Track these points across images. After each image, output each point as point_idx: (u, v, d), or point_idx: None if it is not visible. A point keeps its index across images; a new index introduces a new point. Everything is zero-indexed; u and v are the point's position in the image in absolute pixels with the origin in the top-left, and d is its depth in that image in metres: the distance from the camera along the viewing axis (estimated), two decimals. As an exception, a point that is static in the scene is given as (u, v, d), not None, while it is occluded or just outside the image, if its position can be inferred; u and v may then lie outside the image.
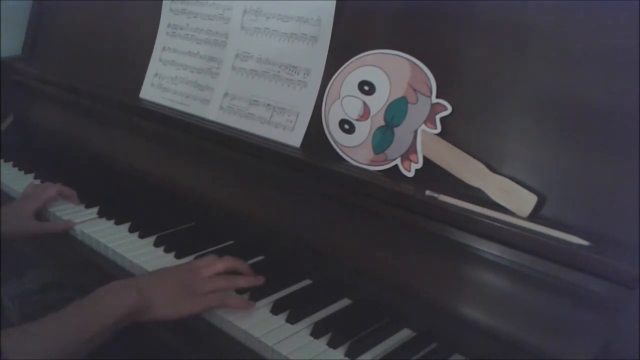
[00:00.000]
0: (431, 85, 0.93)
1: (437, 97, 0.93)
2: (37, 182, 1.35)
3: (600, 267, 0.74)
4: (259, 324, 0.87)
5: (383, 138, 0.98)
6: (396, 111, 0.97)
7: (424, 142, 0.94)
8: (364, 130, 1.00)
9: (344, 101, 1.03)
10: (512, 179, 0.85)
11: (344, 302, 0.95)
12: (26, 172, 1.43)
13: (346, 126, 1.03)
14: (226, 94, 1.22)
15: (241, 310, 0.89)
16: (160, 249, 1.08)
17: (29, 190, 1.25)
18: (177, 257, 1.05)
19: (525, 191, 0.84)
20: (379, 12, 1.03)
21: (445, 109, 0.92)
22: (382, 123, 0.99)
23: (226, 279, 0.94)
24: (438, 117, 0.92)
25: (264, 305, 0.92)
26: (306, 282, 1.00)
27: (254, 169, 1.12)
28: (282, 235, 1.06)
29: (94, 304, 0.84)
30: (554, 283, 0.78)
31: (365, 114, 1.00)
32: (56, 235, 1.16)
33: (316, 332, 0.85)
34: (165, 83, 1.34)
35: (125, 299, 0.85)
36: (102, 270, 1.07)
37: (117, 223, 1.16)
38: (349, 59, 1.03)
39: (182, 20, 1.33)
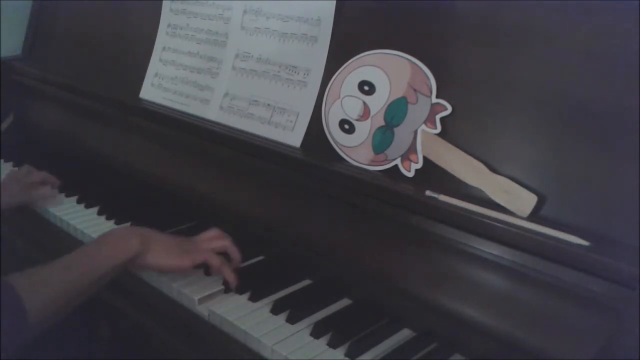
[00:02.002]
0: (431, 85, 0.93)
1: (437, 97, 0.93)
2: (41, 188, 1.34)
3: (600, 267, 0.74)
4: (259, 324, 0.87)
5: (383, 138, 0.98)
6: (396, 111, 0.97)
7: (424, 142, 0.94)
8: (364, 130, 1.00)
9: (344, 101, 1.03)
10: (512, 179, 0.85)
11: (344, 302, 0.95)
12: (26, 172, 1.42)
13: (346, 126, 1.03)
14: (226, 94, 1.22)
15: (233, 282, 0.94)
16: (161, 249, 1.07)
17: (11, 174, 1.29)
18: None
19: (525, 191, 0.84)
20: (379, 12, 1.03)
21: (445, 109, 0.92)
22: (382, 123, 0.99)
23: (219, 258, 0.96)
24: (438, 117, 0.92)
25: (264, 305, 0.92)
26: (306, 282, 1.00)
27: (254, 169, 1.12)
28: (282, 235, 1.06)
29: (100, 247, 0.91)
30: (554, 283, 0.78)
31: (365, 114, 1.00)
32: (56, 236, 1.16)
33: (316, 332, 0.85)
34: (165, 83, 1.34)
35: (129, 243, 0.91)
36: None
37: (117, 223, 1.16)
38: (349, 59, 1.03)
39: (182, 20, 1.33)
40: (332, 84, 1.05)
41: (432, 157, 0.93)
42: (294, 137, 1.10)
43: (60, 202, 1.24)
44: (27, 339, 0.79)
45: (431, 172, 0.93)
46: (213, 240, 0.99)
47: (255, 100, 1.17)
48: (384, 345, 0.86)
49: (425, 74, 0.94)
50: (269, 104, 1.14)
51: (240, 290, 0.94)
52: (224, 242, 0.99)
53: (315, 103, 1.08)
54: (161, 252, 0.93)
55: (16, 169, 1.32)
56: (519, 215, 0.83)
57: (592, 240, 0.76)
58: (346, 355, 0.82)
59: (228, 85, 1.22)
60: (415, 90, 0.95)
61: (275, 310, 0.90)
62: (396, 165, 0.97)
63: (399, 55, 0.97)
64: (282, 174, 1.07)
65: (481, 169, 0.88)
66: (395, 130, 0.97)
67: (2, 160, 1.47)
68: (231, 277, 0.94)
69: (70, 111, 1.52)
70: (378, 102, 0.99)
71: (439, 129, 0.93)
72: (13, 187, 1.21)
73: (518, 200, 0.84)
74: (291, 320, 0.88)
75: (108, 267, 0.88)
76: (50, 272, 0.84)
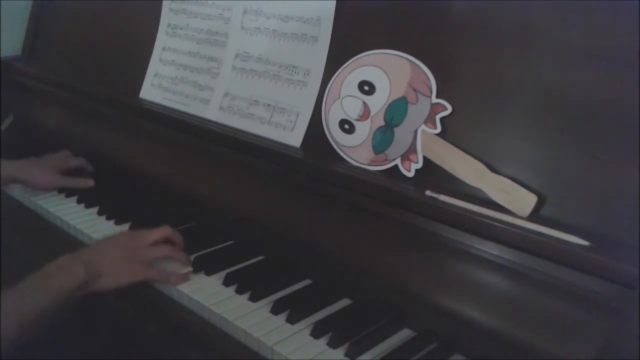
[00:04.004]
0: (431, 85, 0.93)
1: (437, 97, 0.93)
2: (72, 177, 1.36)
3: (600, 267, 0.74)
4: (259, 324, 0.87)
5: (383, 138, 0.98)
6: (396, 111, 0.97)
7: (424, 142, 0.94)
8: (364, 130, 1.00)
9: (344, 101, 1.03)
10: (512, 179, 0.85)
11: (344, 302, 0.95)
12: (26, 172, 1.42)
13: (346, 126, 1.03)
14: (226, 94, 1.22)
15: (179, 283, 0.95)
16: (161, 249, 1.07)
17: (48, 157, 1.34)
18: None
19: (525, 191, 0.84)
20: (379, 12, 1.03)
21: (445, 109, 0.92)
22: (382, 123, 0.99)
23: (168, 246, 1.00)
24: (438, 117, 0.92)
25: (264, 305, 0.92)
26: (306, 282, 1.00)
27: (254, 169, 1.12)
28: (282, 235, 1.06)
29: (45, 280, 0.89)
30: (554, 283, 0.78)
31: (365, 114, 1.00)
32: (56, 236, 1.16)
33: (316, 332, 0.85)
34: (165, 83, 1.34)
35: (74, 273, 0.89)
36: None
37: (117, 223, 1.16)
38: (349, 59, 1.03)
39: (182, 20, 1.33)
40: (332, 84, 1.05)
41: (432, 157, 0.93)
42: (294, 137, 1.10)
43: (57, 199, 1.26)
44: None
45: (431, 172, 0.93)
46: (153, 232, 1.00)
47: (255, 100, 1.17)
48: (384, 345, 0.86)
49: (425, 74, 0.94)
50: (269, 104, 1.14)
51: (240, 290, 0.94)
52: (166, 232, 1.01)
53: (315, 103, 1.08)
54: (112, 272, 0.93)
55: (53, 154, 1.35)
56: (519, 215, 0.83)
57: (592, 240, 0.76)
58: (346, 355, 0.82)
59: (228, 85, 1.22)
60: (415, 90, 0.95)
61: (275, 310, 0.90)
62: (396, 165, 0.97)
63: (399, 55, 0.97)
64: (282, 174, 1.07)
65: (481, 169, 0.88)
66: (395, 130, 0.97)
67: (2, 160, 1.47)
68: (186, 259, 0.99)
69: (70, 111, 1.52)
70: (378, 102, 0.99)
71: (439, 129, 0.93)
72: (48, 171, 1.27)
73: (518, 200, 0.84)
74: (291, 320, 0.88)
75: (54, 300, 0.87)
76: (3, 306, 0.83)
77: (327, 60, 1.07)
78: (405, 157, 0.96)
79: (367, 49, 1.01)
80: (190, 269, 0.99)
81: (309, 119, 1.09)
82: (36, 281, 0.88)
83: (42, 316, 0.86)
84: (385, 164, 0.98)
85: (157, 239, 1.00)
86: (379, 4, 1.03)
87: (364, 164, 1.00)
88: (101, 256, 0.95)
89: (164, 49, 1.36)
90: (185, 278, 0.97)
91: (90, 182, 1.28)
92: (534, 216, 0.83)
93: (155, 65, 1.37)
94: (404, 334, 0.89)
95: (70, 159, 1.34)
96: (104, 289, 0.93)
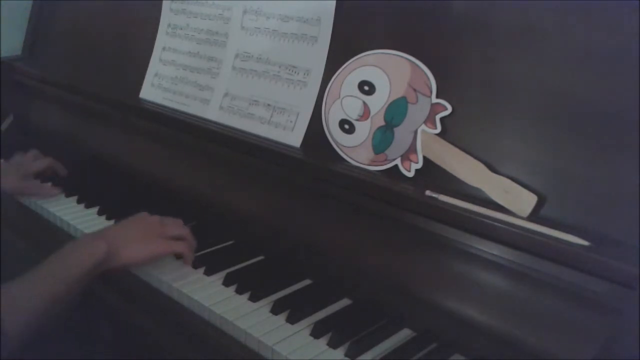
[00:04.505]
0: (431, 85, 0.93)
1: (437, 97, 0.93)
2: (37, 182, 1.35)
3: (600, 267, 0.73)
4: (259, 324, 0.87)
5: (383, 138, 0.98)
6: (396, 111, 0.97)
7: (424, 142, 0.94)
8: (364, 130, 1.00)
9: (344, 101, 1.03)
10: (512, 179, 0.85)
11: (344, 302, 0.95)
12: (26, 172, 1.42)
13: (346, 126, 1.03)
14: (226, 94, 1.22)
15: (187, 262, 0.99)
16: (160, 249, 1.07)
17: (16, 158, 1.31)
18: (178, 257, 1.05)
19: (525, 191, 0.84)
20: (379, 12, 1.03)
21: (445, 109, 0.92)
22: (382, 123, 0.99)
23: (185, 228, 1.03)
24: (438, 117, 0.92)
25: (264, 305, 0.92)
26: (306, 282, 1.00)
27: (254, 169, 1.12)
28: (282, 235, 1.06)
29: (66, 258, 0.90)
30: (553, 283, 0.78)
31: (365, 114, 1.00)
32: (56, 236, 1.16)
33: (316, 332, 0.85)
34: (165, 83, 1.34)
35: (95, 249, 0.91)
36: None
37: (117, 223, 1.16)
38: (349, 59, 1.03)
39: (182, 20, 1.33)
40: (332, 84, 1.05)
41: (432, 157, 0.93)
42: (294, 137, 1.10)
43: (57, 198, 1.25)
44: (10, 353, 0.79)
45: (431, 172, 0.93)
46: (174, 225, 1.02)
47: (255, 100, 1.17)
48: (384, 345, 0.86)
49: (425, 74, 0.94)
50: (269, 104, 1.14)
51: (240, 290, 0.94)
52: (185, 231, 1.03)
53: (315, 103, 1.08)
54: (134, 246, 0.95)
55: (21, 154, 1.32)
56: (519, 215, 0.83)
57: (592, 240, 0.76)
58: (346, 355, 0.82)
59: (228, 85, 1.22)
60: (415, 90, 0.95)
61: (275, 310, 0.90)
62: (396, 165, 0.97)
63: (399, 55, 0.97)
64: (282, 174, 1.07)
65: (481, 169, 0.88)
66: (395, 130, 0.97)
67: (2, 160, 1.47)
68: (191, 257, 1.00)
69: (70, 111, 1.52)
70: (378, 102, 0.99)
71: (439, 129, 0.93)
72: (12, 174, 1.23)
73: (518, 200, 0.84)
74: (291, 320, 0.88)
75: (76, 276, 0.88)
76: (23, 287, 0.84)
77: (327, 60, 1.07)
78: (405, 157, 0.96)
79: (367, 49, 1.01)
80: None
81: (309, 119, 1.09)
82: (57, 260, 0.90)
83: (66, 293, 0.87)
84: (385, 164, 0.98)
85: (175, 234, 1.01)
86: (379, 4, 1.03)
87: (364, 164, 1.00)
88: (122, 232, 0.97)
89: (164, 49, 1.36)
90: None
91: (55, 191, 1.24)
92: (534, 216, 0.83)
93: (155, 65, 1.37)
94: (404, 334, 0.89)
95: (38, 161, 1.29)
96: (125, 264, 0.95)
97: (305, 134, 1.09)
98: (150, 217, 1.02)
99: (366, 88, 1.00)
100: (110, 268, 0.92)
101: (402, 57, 0.97)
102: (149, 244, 0.97)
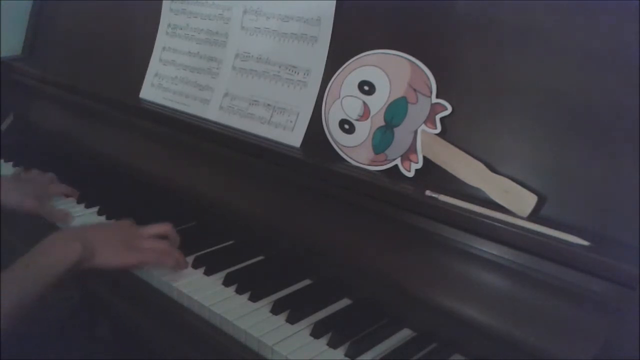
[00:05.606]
0: (431, 85, 0.93)
1: (437, 97, 0.93)
2: (52, 205, 1.32)
3: (600, 267, 0.73)
4: (259, 324, 0.87)
5: (383, 138, 0.98)
6: (396, 111, 0.97)
7: (424, 142, 0.94)
8: (364, 130, 1.00)
9: (344, 101, 1.03)
10: (512, 179, 0.85)
11: (344, 302, 0.95)
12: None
13: (346, 126, 1.03)
14: (226, 94, 1.22)
15: (178, 269, 0.97)
16: (160, 249, 1.07)
17: (34, 175, 1.28)
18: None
19: (525, 191, 0.84)
20: (379, 12, 1.03)
21: (445, 109, 0.92)
22: (382, 123, 0.99)
23: (164, 242, 1.00)
24: (438, 117, 0.92)
25: (264, 305, 0.92)
26: (306, 282, 1.00)
27: (254, 169, 1.12)
28: (282, 235, 1.06)
29: (41, 257, 0.89)
30: (553, 283, 0.78)
31: (365, 114, 1.00)
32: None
33: (316, 332, 0.85)
34: (165, 83, 1.34)
35: (70, 249, 0.89)
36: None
37: (117, 223, 1.16)
38: (349, 59, 1.03)
39: (182, 20, 1.33)
40: (332, 84, 1.05)
41: (432, 157, 0.93)
42: (294, 137, 1.10)
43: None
44: None
45: (431, 172, 0.93)
46: (151, 227, 1.01)
47: (255, 100, 1.17)
48: (384, 345, 0.86)
49: (425, 74, 0.94)
50: (269, 104, 1.14)
51: (240, 290, 0.94)
52: (165, 228, 1.01)
53: (315, 103, 1.08)
54: (107, 252, 0.93)
55: (39, 172, 1.29)
56: (519, 215, 0.83)
57: (592, 240, 0.76)
58: (346, 355, 0.82)
59: (228, 85, 1.22)
60: (415, 90, 0.95)
61: (275, 310, 0.90)
62: (396, 165, 0.97)
63: (399, 55, 0.97)
64: (282, 174, 1.07)
65: (481, 169, 0.88)
66: (395, 130, 0.97)
67: (2, 160, 1.47)
68: (182, 259, 0.98)
69: (70, 111, 1.52)
70: (378, 102, 0.99)
71: (439, 129, 0.93)
72: (26, 192, 1.19)
73: (518, 200, 0.84)
74: (291, 320, 0.88)
75: (51, 276, 0.87)
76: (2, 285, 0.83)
77: (327, 60, 1.07)
78: (405, 157, 0.96)
79: (367, 49, 1.01)
80: (188, 267, 0.99)
81: (309, 119, 1.09)
82: (32, 259, 0.88)
83: (41, 292, 0.86)
84: (385, 164, 0.98)
85: (155, 232, 1.00)
86: (379, 4, 1.03)
87: (364, 164, 1.00)
88: (99, 234, 0.95)
89: (164, 49, 1.36)
90: (184, 263, 0.98)
91: (69, 219, 1.17)
92: (534, 216, 0.83)
93: (155, 65, 1.37)
94: (404, 334, 0.89)
95: (55, 186, 1.27)
96: (99, 266, 0.93)
97: (305, 134, 1.09)
98: (129, 225, 1.01)
99: (366, 88, 1.00)
100: (82, 268, 0.91)
101: (402, 57, 0.97)
102: (124, 253, 0.95)
